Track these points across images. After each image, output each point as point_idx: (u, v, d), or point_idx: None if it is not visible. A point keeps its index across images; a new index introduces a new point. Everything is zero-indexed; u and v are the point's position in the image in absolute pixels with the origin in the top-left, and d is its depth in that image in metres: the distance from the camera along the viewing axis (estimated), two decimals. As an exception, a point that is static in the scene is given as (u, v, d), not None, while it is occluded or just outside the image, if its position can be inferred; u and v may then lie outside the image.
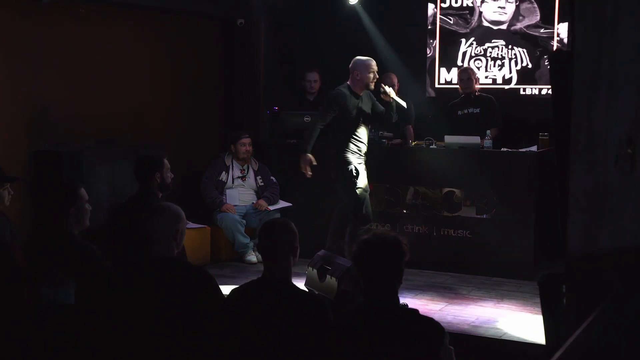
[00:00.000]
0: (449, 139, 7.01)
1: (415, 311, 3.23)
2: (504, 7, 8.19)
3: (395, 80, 7.91)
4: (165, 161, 5.15)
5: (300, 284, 5.18)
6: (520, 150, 6.95)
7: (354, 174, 6.38)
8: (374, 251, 3.17)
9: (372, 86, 6.49)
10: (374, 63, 6.47)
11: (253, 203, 7.47)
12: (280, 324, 3.28)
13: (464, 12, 8.36)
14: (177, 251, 3.60)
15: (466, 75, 7.69)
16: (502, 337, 5.19)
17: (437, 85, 8.48)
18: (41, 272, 3.83)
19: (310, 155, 6.46)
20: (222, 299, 3.56)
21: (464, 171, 6.84)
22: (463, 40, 8.37)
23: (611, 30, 2.74)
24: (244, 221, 7.35)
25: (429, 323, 3.18)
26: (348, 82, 6.50)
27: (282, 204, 7.51)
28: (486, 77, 8.28)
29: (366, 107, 6.51)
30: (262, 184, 7.57)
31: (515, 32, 8.16)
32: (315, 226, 7.24)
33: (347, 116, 6.41)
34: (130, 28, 7.54)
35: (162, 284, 3.43)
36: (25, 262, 3.36)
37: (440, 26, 8.46)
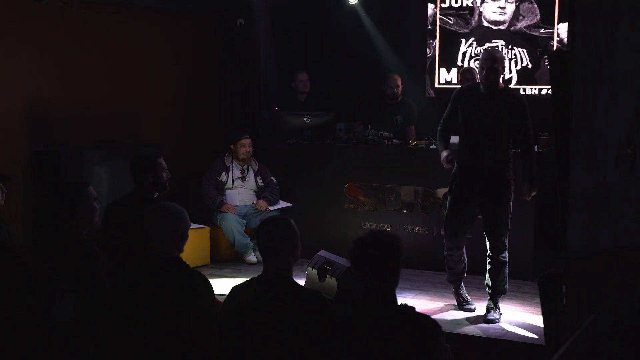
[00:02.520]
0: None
1: (411, 308, 3.23)
2: (504, 7, 8.19)
3: (400, 82, 7.89)
4: (160, 161, 4.99)
5: (300, 284, 5.17)
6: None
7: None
8: (368, 250, 3.18)
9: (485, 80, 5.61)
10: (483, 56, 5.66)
11: (253, 203, 7.47)
12: (281, 321, 3.28)
13: (464, 12, 8.36)
14: (178, 252, 3.57)
15: (471, 76, 7.64)
16: (502, 337, 5.19)
17: (437, 86, 8.47)
18: (49, 273, 3.77)
19: None
20: (213, 302, 3.55)
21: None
22: (463, 40, 8.37)
23: (611, 30, 2.75)
24: (244, 221, 7.34)
25: (424, 320, 3.19)
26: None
27: (282, 204, 7.51)
28: (486, 77, 8.26)
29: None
30: (262, 184, 7.56)
31: (515, 32, 8.15)
32: (315, 226, 7.24)
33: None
34: (130, 28, 7.54)
35: (158, 284, 3.42)
36: (31, 261, 3.33)
37: (440, 26, 8.45)
